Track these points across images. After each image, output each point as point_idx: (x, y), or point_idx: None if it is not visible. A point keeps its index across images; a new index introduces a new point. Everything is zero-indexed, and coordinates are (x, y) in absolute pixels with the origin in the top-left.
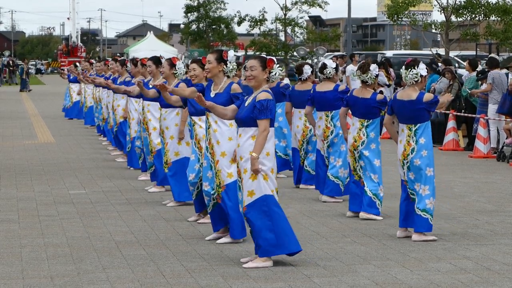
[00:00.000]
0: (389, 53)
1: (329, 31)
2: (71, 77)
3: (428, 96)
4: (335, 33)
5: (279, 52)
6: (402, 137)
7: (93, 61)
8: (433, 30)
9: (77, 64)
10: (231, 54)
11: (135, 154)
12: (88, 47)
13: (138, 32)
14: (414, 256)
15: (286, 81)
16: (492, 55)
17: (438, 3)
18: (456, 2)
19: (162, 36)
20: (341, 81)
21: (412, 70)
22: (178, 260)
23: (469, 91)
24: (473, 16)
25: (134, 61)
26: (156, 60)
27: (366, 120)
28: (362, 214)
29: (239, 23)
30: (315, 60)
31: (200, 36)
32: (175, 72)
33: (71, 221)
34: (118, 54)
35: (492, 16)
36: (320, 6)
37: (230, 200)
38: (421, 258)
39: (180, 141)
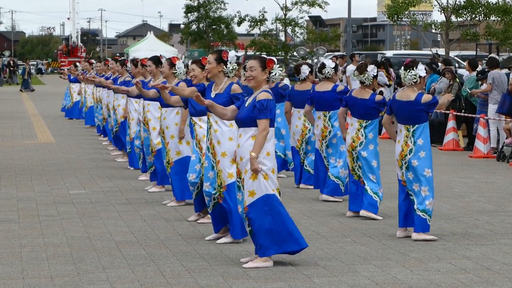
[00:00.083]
0: (389, 53)
1: (329, 31)
2: (71, 77)
3: (426, 97)
4: (335, 33)
5: (279, 52)
6: (400, 137)
7: (93, 61)
8: (433, 30)
9: (77, 64)
10: (231, 54)
11: (135, 154)
12: (88, 47)
13: (138, 32)
14: (414, 256)
15: (286, 81)
16: (492, 55)
17: (438, 3)
18: (456, 2)
19: (162, 36)
20: (341, 81)
21: (411, 71)
22: (178, 260)
23: (469, 91)
24: (473, 16)
25: (134, 62)
26: (156, 60)
27: (364, 121)
28: (363, 212)
29: (239, 23)
30: (315, 60)
31: (200, 36)
32: (174, 71)
33: (71, 221)
34: (118, 54)
35: (492, 16)
36: (320, 6)
37: (231, 200)
38: (421, 258)
39: (181, 140)
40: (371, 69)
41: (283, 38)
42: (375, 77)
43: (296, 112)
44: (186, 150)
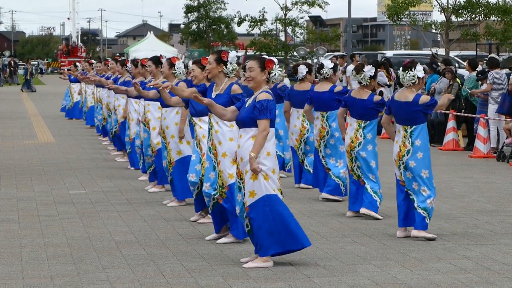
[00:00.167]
0: (389, 53)
1: (329, 31)
2: (71, 77)
3: (424, 99)
4: (335, 33)
5: (279, 52)
6: (398, 138)
7: (93, 61)
8: (433, 30)
9: (77, 64)
10: (232, 55)
11: (136, 154)
12: (88, 47)
13: (138, 32)
14: (414, 256)
15: (286, 81)
16: (492, 55)
17: (438, 3)
18: (456, 2)
19: (162, 36)
20: (341, 81)
21: (409, 72)
22: (178, 260)
23: (469, 91)
24: (473, 16)
25: (135, 62)
26: (156, 60)
27: (363, 121)
28: (363, 210)
29: (239, 23)
30: (315, 60)
31: (200, 36)
32: (174, 72)
33: (71, 221)
34: (118, 54)
35: (492, 16)
36: (320, 6)
37: (234, 200)
38: (421, 258)
39: (181, 140)
40: (368, 69)
41: (283, 38)
42: (373, 77)
43: (295, 112)
44: (187, 150)
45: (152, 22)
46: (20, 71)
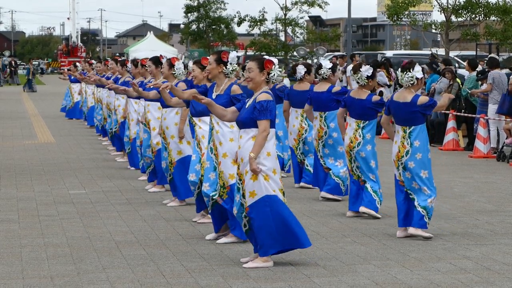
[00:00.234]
0: (389, 53)
1: (329, 31)
2: (71, 77)
3: (422, 99)
4: (335, 33)
5: (279, 52)
6: (397, 138)
7: (93, 61)
8: (433, 30)
9: (77, 64)
10: (232, 55)
11: (136, 154)
12: (88, 47)
13: (138, 32)
14: (414, 256)
15: (286, 81)
16: (492, 55)
17: (438, 3)
18: (456, 2)
19: (162, 36)
20: (341, 81)
21: (408, 73)
22: (178, 260)
23: (469, 91)
24: (473, 16)
25: (135, 62)
26: (156, 61)
27: (362, 121)
28: (362, 209)
29: (239, 24)
30: (315, 60)
31: (200, 36)
32: (174, 72)
33: (71, 221)
34: (117, 54)
35: (492, 16)
36: (320, 6)
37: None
38: (421, 258)
39: (181, 140)
40: (365, 69)
41: (283, 38)
42: (371, 77)
43: (294, 111)
44: (187, 150)
45: (152, 22)
46: (20, 71)
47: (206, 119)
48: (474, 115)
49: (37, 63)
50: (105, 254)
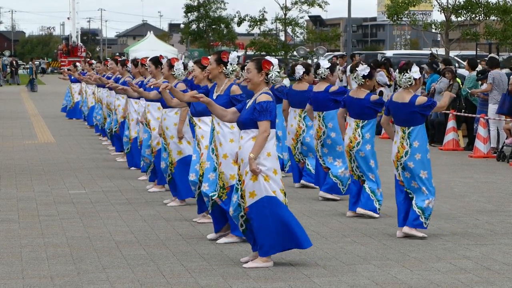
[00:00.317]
0: (389, 53)
1: (329, 31)
2: (72, 77)
3: (420, 100)
4: (335, 33)
5: (279, 52)
6: (396, 138)
7: (93, 61)
8: (433, 30)
9: (77, 64)
10: (232, 55)
11: (137, 154)
12: (88, 47)
13: (138, 32)
14: (414, 256)
15: (286, 81)
16: (492, 55)
17: (438, 3)
18: (456, 2)
19: (162, 36)
20: (341, 80)
21: (405, 74)
22: (178, 260)
23: (469, 91)
24: (473, 16)
25: (135, 62)
26: (156, 61)
27: (361, 121)
28: (359, 210)
29: (239, 24)
30: (315, 60)
31: (200, 36)
32: (173, 73)
33: (71, 221)
34: (117, 54)
35: (492, 16)
36: (320, 6)
37: None
38: (421, 258)
39: (181, 140)
40: (361, 69)
41: (283, 38)
42: (367, 76)
43: (293, 111)
44: (188, 149)
45: (152, 22)
46: (20, 71)
47: (206, 119)
48: (474, 115)
49: (37, 62)
50: (105, 254)
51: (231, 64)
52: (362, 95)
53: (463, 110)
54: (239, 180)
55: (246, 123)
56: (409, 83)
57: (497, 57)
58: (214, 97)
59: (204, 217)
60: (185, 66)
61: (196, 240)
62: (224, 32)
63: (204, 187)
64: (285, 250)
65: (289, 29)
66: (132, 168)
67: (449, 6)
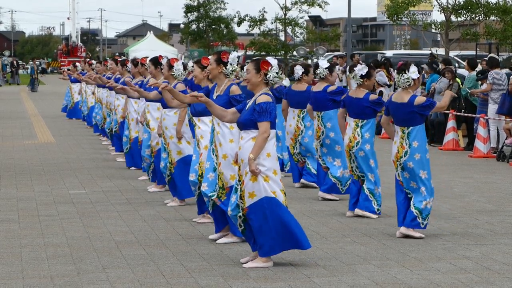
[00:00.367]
0: (389, 53)
1: (329, 31)
2: (72, 77)
3: (419, 100)
4: (335, 33)
5: (279, 52)
6: (396, 139)
7: (93, 62)
8: (433, 30)
9: (77, 64)
10: (232, 56)
11: (137, 154)
12: (88, 47)
13: (138, 32)
14: (414, 256)
15: (286, 81)
16: (492, 55)
17: (438, 3)
18: (456, 2)
19: (162, 36)
20: (341, 80)
21: (403, 74)
22: (178, 260)
23: (469, 91)
24: (473, 16)
25: (134, 61)
26: (155, 62)
27: (360, 120)
28: (357, 211)
29: (239, 24)
30: (315, 60)
31: (200, 36)
32: (173, 73)
33: (71, 221)
34: (117, 54)
35: (492, 16)
36: (320, 6)
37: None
38: (421, 258)
39: (180, 140)
40: (359, 68)
41: (283, 38)
42: (366, 76)
43: (291, 111)
44: (187, 149)
45: (152, 22)
46: (20, 71)
47: (206, 119)
48: (474, 115)
49: (38, 62)
50: (105, 254)
51: (231, 64)
52: (361, 94)
53: (463, 110)
54: (239, 181)
55: (246, 124)
56: (408, 83)
57: (497, 57)
58: (214, 97)
59: (204, 217)
60: (185, 66)
61: (196, 240)
62: (224, 32)
63: (203, 187)
64: (284, 250)
65: (289, 29)
66: (132, 168)
67: (449, 6)
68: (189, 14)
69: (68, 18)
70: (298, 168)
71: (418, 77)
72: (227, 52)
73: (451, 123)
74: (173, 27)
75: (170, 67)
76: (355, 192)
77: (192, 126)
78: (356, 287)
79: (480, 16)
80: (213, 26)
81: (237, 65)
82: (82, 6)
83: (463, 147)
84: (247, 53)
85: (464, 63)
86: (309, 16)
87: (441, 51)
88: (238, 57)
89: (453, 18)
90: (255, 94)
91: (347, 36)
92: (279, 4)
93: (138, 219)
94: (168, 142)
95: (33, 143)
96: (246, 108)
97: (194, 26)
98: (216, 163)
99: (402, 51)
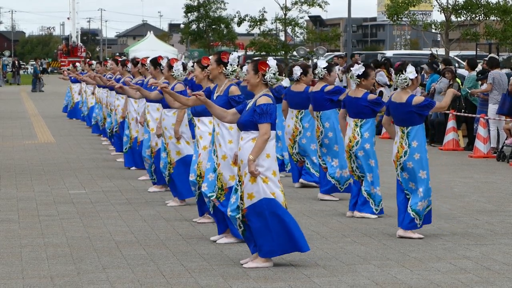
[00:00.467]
0: (389, 53)
1: (329, 31)
2: (72, 77)
3: (417, 100)
4: (335, 33)
5: (279, 52)
6: (396, 139)
7: (93, 62)
8: (433, 30)
9: (77, 64)
10: (233, 56)
11: (138, 152)
12: (88, 47)
13: (138, 32)
14: (414, 256)
15: (286, 81)
16: (492, 55)
17: (438, 3)
18: (456, 2)
19: (162, 36)
20: (341, 80)
21: (401, 75)
22: (178, 260)
23: (469, 91)
24: (473, 16)
25: (134, 61)
26: (154, 62)
27: (359, 120)
28: (356, 213)
29: (239, 24)
30: (315, 60)
31: (200, 36)
32: (173, 74)
33: (71, 221)
34: (117, 54)
35: (492, 16)
36: (320, 6)
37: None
38: (421, 258)
39: (178, 140)
40: (355, 68)
41: (283, 38)
42: (362, 76)
43: (290, 112)
44: (186, 149)
45: (152, 22)
46: (21, 71)
47: (205, 119)
48: (474, 115)
49: (40, 62)
50: (105, 254)
51: (231, 64)
52: (360, 94)
53: (463, 110)
54: (239, 181)
55: (246, 125)
56: (405, 83)
57: (497, 57)
58: (214, 98)
59: (204, 217)
60: (184, 67)
61: (196, 240)
62: (224, 32)
63: (203, 187)
64: (284, 253)
65: (289, 29)
66: (132, 168)
67: (449, 6)
68: (189, 14)
69: (68, 18)
70: (297, 168)
71: (416, 77)
72: (228, 52)
73: (451, 123)
74: (173, 27)
75: (170, 67)
76: (356, 193)
77: (192, 126)
78: (356, 287)
79: (480, 16)
80: (213, 26)
81: (237, 65)
82: (82, 6)
83: (463, 147)
84: (247, 53)
85: (464, 63)
86: (309, 16)
87: (441, 51)
88: (238, 57)
89: (453, 18)
90: (255, 94)
91: (347, 36)
92: (279, 4)
93: (138, 219)
94: (167, 142)
95: (33, 143)
96: (247, 109)
97: (194, 26)
98: (216, 163)
99: (402, 51)
